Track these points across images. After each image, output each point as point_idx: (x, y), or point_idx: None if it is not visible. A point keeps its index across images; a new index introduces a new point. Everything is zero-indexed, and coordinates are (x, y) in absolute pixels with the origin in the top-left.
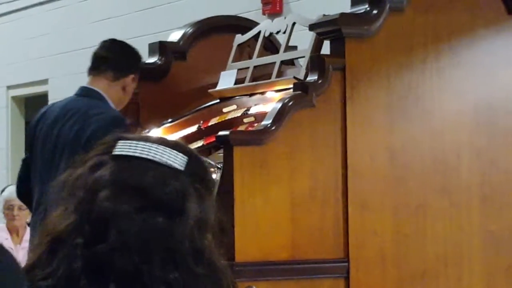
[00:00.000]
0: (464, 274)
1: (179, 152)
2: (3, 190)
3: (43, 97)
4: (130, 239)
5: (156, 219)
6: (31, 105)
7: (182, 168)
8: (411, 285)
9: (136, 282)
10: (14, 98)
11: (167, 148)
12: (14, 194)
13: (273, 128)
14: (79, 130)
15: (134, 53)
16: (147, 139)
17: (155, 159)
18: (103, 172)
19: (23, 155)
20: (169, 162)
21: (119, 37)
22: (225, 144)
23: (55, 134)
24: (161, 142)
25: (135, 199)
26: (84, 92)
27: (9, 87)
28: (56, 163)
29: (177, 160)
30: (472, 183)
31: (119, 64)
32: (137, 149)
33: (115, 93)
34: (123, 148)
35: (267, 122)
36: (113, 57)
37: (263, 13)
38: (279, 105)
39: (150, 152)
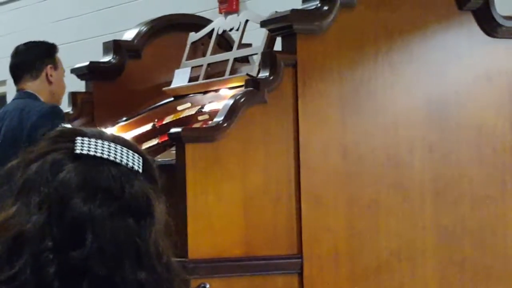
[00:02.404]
0: (418, 269)
1: (134, 152)
2: None
3: (2, 98)
4: (105, 244)
5: (127, 222)
6: None
7: (140, 170)
8: (365, 280)
9: (109, 285)
10: None
11: (124, 148)
12: None
13: (225, 124)
14: (19, 124)
15: (40, 44)
16: (104, 137)
17: (116, 160)
18: (70, 173)
19: None
20: (129, 163)
21: (77, 37)
22: (177, 141)
23: None
24: (118, 141)
25: (108, 203)
26: (20, 95)
27: None
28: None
29: (135, 161)
30: (425, 178)
31: (30, 62)
32: (98, 149)
33: (43, 89)
34: (83, 146)
35: (219, 118)
36: (22, 59)
37: (220, 12)
38: (231, 101)
39: (110, 153)
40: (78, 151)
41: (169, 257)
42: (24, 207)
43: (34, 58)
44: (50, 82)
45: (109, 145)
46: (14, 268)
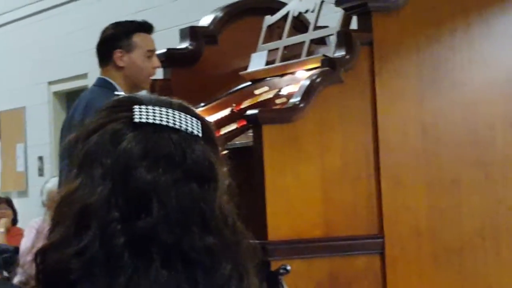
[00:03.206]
0: (503, 249)
1: (192, 116)
2: (46, 182)
3: (84, 91)
4: (171, 211)
5: (191, 187)
6: (72, 100)
7: (200, 134)
8: (448, 260)
9: (178, 252)
10: (55, 94)
11: (182, 113)
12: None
13: (301, 105)
14: (68, 117)
15: (116, 27)
16: (161, 103)
17: (175, 126)
18: (131, 143)
19: None
20: (189, 128)
21: (155, 27)
22: (254, 123)
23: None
24: (175, 107)
25: (170, 169)
26: (100, 83)
27: (50, 83)
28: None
29: (194, 126)
30: (508, 154)
31: (101, 47)
32: (157, 116)
33: (116, 75)
34: (142, 115)
35: (295, 99)
36: (98, 43)
37: None
38: (307, 82)
39: (169, 119)
40: (137, 120)
41: (235, 220)
42: (87, 179)
43: (103, 43)
44: (119, 67)
45: (167, 111)
46: (82, 242)
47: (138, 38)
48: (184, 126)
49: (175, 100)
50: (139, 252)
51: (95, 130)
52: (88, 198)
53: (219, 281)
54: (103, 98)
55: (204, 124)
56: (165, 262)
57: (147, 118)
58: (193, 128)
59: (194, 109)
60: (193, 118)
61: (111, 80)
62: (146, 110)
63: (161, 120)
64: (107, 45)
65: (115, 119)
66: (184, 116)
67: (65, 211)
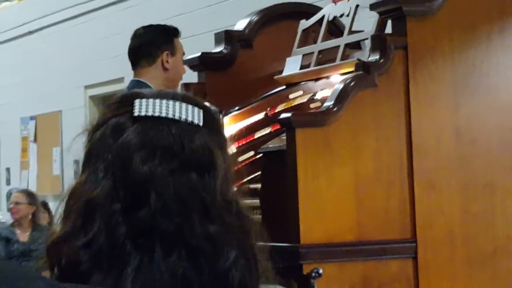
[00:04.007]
0: None
1: (194, 106)
2: None
3: None
4: (169, 200)
5: (189, 177)
6: None
7: (201, 123)
8: (481, 264)
9: (180, 241)
10: (92, 97)
11: (184, 103)
12: None
13: (335, 109)
14: None
15: (158, 29)
16: (163, 96)
17: (175, 117)
18: (129, 135)
19: None
20: (189, 118)
21: (187, 33)
22: (288, 127)
23: None
24: (177, 98)
25: (167, 160)
26: (133, 85)
27: (86, 87)
28: None
29: (195, 115)
30: None
31: (146, 48)
32: (156, 109)
33: (158, 76)
34: (142, 108)
35: (329, 103)
36: (138, 43)
37: (333, 1)
38: (341, 85)
39: (169, 110)
40: (136, 113)
41: (239, 205)
42: (91, 174)
43: (150, 44)
44: (165, 69)
45: (167, 103)
46: (89, 234)
47: (177, 43)
48: (184, 117)
49: (180, 92)
50: (141, 242)
51: (99, 126)
52: (92, 192)
53: (223, 268)
54: None
55: (207, 113)
56: (168, 251)
57: (146, 111)
58: (193, 118)
59: (198, 98)
60: (195, 108)
61: (146, 82)
62: (146, 103)
63: (160, 112)
64: (154, 46)
65: (117, 114)
66: (185, 107)
67: (72, 205)
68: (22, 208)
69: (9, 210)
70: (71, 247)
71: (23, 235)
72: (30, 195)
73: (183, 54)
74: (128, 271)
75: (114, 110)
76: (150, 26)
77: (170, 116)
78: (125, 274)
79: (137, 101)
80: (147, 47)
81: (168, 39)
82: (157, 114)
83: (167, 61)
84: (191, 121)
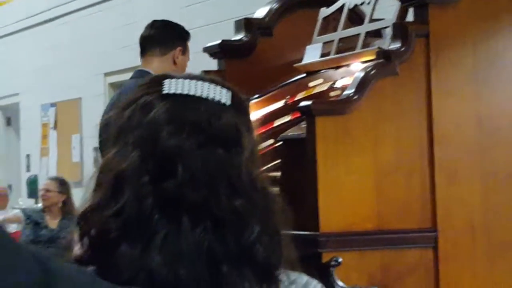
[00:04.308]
0: None
1: (223, 87)
2: None
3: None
4: (196, 173)
5: (216, 151)
6: None
7: (228, 103)
8: (502, 255)
9: (206, 212)
10: (111, 85)
11: (212, 84)
12: None
13: (355, 97)
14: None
15: (177, 26)
16: (192, 77)
17: (202, 95)
18: (158, 111)
19: None
20: (216, 97)
21: (208, 21)
22: (307, 115)
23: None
24: (206, 79)
25: (195, 135)
26: (136, 74)
27: (106, 74)
28: None
29: (223, 95)
30: None
31: (163, 38)
32: (185, 87)
33: (166, 68)
34: (171, 87)
35: (349, 91)
36: (156, 33)
37: None
38: (362, 74)
39: (197, 89)
40: (165, 92)
41: (265, 185)
42: (121, 148)
43: (168, 35)
44: (175, 63)
45: (196, 83)
46: (118, 204)
47: (188, 45)
48: (211, 96)
49: (209, 75)
50: (168, 213)
51: (129, 105)
52: (122, 165)
53: (248, 241)
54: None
55: (235, 94)
56: (195, 223)
57: (175, 90)
58: (221, 97)
59: (226, 82)
60: (223, 89)
61: (152, 72)
62: (176, 82)
63: (189, 91)
64: (171, 38)
65: (147, 93)
66: (213, 87)
67: (102, 177)
68: (52, 195)
69: (40, 196)
70: (101, 216)
71: (52, 222)
72: (61, 184)
73: (189, 59)
74: (155, 241)
75: (144, 89)
76: (168, 21)
77: (198, 94)
78: (152, 244)
79: (166, 81)
80: (164, 37)
81: (183, 37)
82: (185, 92)
83: (178, 57)
84: (219, 100)
